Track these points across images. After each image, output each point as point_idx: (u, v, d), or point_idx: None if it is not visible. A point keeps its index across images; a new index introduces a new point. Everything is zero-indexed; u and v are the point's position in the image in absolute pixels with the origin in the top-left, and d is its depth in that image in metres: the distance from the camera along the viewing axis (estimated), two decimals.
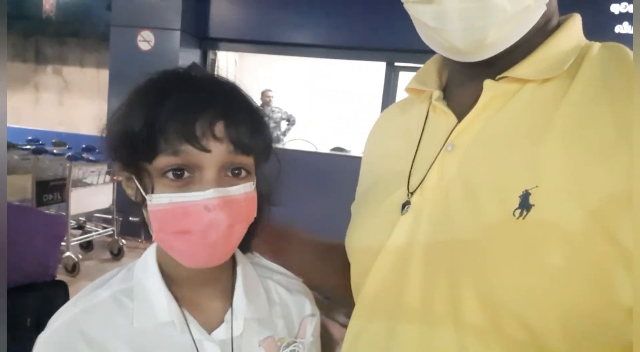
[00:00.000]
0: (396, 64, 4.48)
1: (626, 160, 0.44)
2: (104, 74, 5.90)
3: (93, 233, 3.97)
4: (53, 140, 4.62)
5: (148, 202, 0.56)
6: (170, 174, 0.55)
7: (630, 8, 3.82)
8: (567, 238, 0.45)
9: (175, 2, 4.48)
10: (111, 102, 4.60)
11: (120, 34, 4.58)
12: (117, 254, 4.01)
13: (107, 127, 0.61)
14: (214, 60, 5.45)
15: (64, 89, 7.80)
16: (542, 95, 0.52)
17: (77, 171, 3.58)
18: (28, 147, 3.95)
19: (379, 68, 4.65)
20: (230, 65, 6.07)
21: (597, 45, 0.54)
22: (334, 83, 6.36)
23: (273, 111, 5.66)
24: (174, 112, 0.55)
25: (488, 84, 0.54)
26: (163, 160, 0.55)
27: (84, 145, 4.06)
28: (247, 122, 0.59)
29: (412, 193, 0.58)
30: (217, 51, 5.25)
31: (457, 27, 0.50)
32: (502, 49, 0.52)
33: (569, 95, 0.50)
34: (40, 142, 4.36)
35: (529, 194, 0.47)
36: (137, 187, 0.58)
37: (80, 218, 4.03)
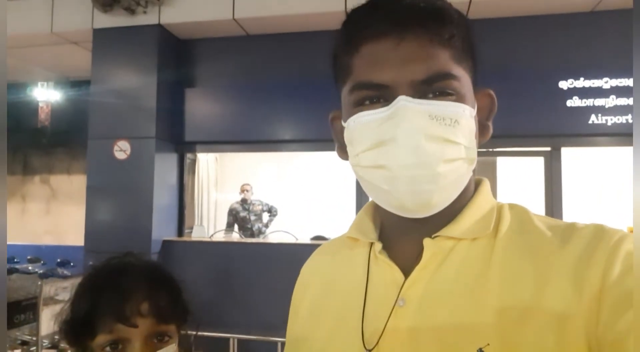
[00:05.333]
0: None
1: (549, 309, 0.51)
2: None
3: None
4: (28, 257, 4.60)
5: None
6: (107, 348, 0.74)
7: (577, 84, 4.02)
8: None
9: (149, 112, 4.69)
10: (89, 212, 4.65)
11: (97, 145, 4.74)
12: None
13: (60, 318, 0.81)
14: (194, 161, 5.61)
15: (51, 198, 7.91)
16: (475, 252, 0.59)
17: (49, 289, 3.52)
18: None
19: None
20: (211, 162, 6.22)
21: (506, 207, 0.63)
22: (313, 173, 6.49)
23: (253, 204, 5.72)
24: (108, 300, 0.75)
25: (427, 242, 0.60)
26: (101, 338, 0.74)
27: (58, 260, 4.04)
28: (168, 299, 0.79)
29: (369, 351, 0.58)
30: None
31: (406, 190, 0.56)
32: (443, 207, 0.59)
33: (495, 252, 0.57)
34: (15, 259, 4.35)
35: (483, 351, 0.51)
36: None
37: (56, 337, 3.90)
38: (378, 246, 0.65)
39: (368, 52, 0.57)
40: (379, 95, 0.57)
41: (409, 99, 0.54)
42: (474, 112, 0.59)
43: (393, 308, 0.59)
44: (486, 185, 0.66)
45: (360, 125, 0.58)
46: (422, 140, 0.54)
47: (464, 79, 0.58)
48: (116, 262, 0.84)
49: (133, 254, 0.88)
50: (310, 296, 0.72)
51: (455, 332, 0.54)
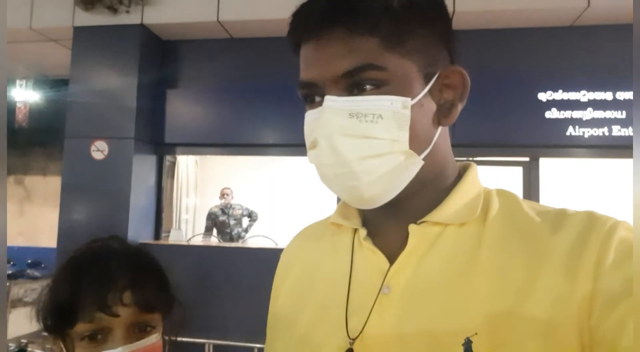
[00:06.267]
0: None
1: (541, 298, 0.49)
2: None
3: None
4: None
5: None
6: (87, 338, 0.71)
7: (555, 96, 4.09)
8: None
9: (129, 113, 4.61)
10: (63, 212, 4.54)
11: (74, 144, 4.64)
12: None
13: (38, 303, 0.76)
14: (173, 163, 5.53)
15: (25, 199, 7.71)
16: (463, 238, 0.57)
17: (18, 290, 3.42)
18: None
19: None
20: (191, 165, 6.15)
21: (494, 192, 0.62)
22: (295, 178, 6.47)
23: (233, 208, 5.66)
24: (89, 288, 0.71)
25: (413, 229, 0.59)
26: (81, 327, 0.71)
27: (29, 261, 3.93)
28: (151, 287, 0.76)
29: (353, 340, 0.57)
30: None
31: (339, 187, 0.58)
32: (387, 199, 0.58)
33: (485, 237, 0.56)
34: None
35: (471, 342, 0.49)
36: (62, 349, 0.74)
37: (22, 340, 3.78)
38: (362, 232, 0.64)
39: (303, 52, 0.60)
40: (313, 93, 0.59)
41: (333, 98, 0.55)
42: (410, 101, 0.55)
43: (377, 296, 0.57)
44: (473, 170, 0.64)
45: (305, 124, 0.61)
46: (337, 141, 0.55)
47: (395, 66, 0.55)
48: (99, 246, 0.80)
49: (117, 237, 0.84)
50: (291, 281, 0.71)
51: (443, 320, 0.52)
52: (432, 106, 0.59)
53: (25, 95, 7.24)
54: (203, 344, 4.36)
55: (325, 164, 0.57)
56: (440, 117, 0.60)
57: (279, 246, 4.79)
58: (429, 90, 0.58)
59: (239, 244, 5.30)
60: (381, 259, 0.60)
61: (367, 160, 0.55)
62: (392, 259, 0.59)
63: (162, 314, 0.78)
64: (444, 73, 0.59)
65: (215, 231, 5.61)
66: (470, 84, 0.61)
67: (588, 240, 0.51)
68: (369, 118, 0.54)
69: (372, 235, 0.63)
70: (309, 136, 0.59)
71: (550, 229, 0.54)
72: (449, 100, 0.60)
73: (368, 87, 0.55)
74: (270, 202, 6.43)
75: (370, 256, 0.61)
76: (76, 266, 0.76)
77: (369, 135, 0.55)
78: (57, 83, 6.69)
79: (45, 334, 0.78)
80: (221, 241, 5.47)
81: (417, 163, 0.57)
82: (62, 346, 0.74)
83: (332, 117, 0.55)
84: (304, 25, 0.58)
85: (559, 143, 4.13)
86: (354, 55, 0.55)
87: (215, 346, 4.39)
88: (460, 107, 0.61)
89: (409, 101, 0.55)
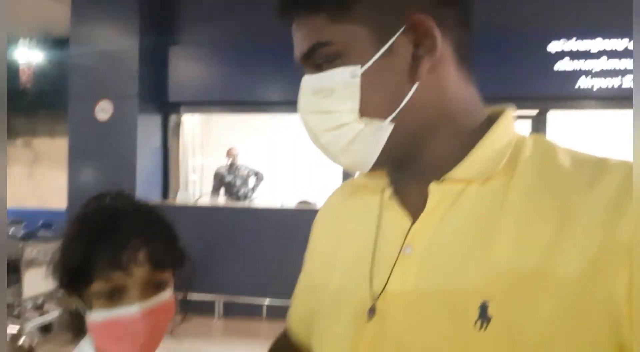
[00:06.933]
0: None
1: (572, 252, 0.46)
2: None
3: (52, 314, 3.83)
4: (10, 219, 4.55)
5: (87, 318, 0.74)
6: (103, 296, 0.73)
7: (565, 46, 3.96)
8: (528, 349, 0.46)
9: (132, 71, 4.57)
10: (72, 174, 4.58)
11: (79, 106, 4.62)
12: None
13: (52, 263, 0.77)
14: (178, 123, 5.51)
15: (34, 161, 7.78)
16: (486, 195, 0.55)
17: (31, 251, 3.49)
18: None
19: None
20: (196, 125, 6.12)
21: (528, 141, 0.58)
22: (298, 137, 6.44)
23: (239, 169, 5.67)
24: (104, 247, 0.72)
25: (433, 187, 0.57)
26: (97, 286, 0.73)
27: (41, 222, 3.99)
28: (164, 245, 0.77)
29: (376, 297, 0.58)
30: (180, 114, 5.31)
31: (326, 156, 0.62)
32: (368, 166, 0.59)
33: (509, 195, 0.53)
34: None
35: (487, 305, 0.49)
36: (78, 303, 0.76)
37: (39, 299, 3.89)
38: (388, 191, 0.64)
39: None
40: (301, 71, 0.61)
41: (305, 78, 0.60)
42: (360, 68, 0.55)
43: (399, 255, 0.57)
44: (504, 118, 0.59)
45: None
46: (306, 117, 0.60)
47: (342, 37, 0.55)
48: (110, 205, 0.80)
49: (124, 195, 0.84)
50: (324, 240, 0.74)
51: (460, 281, 0.52)
52: (396, 65, 0.56)
53: (29, 56, 7.17)
54: (213, 301, 4.49)
55: (308, 137, 0.62)
56: (412, 73, 0.56)
57: (285, 206, 4.83)
58: (393, 49, 0.55)
59: (246, 204, 5.35)
60: (405, 218, 0.59)
61: (329, 133, 0.58)
62: (416, 218, 0.58)
63: (173, 272, 0.80)
64: (408, 26, 0.55)
65: (222, 191, 5.65)
66: (436, 34, 0.54)
67: (627, 200, 0.46)
68: (325, 93, 0.57)
69: (398, 193, 0.63)
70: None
71: (585, 182, 0.50)
72: (418, 54, 0.56)
73: (324, 64, 0.57)
74: (276, 161, 6.43)
75: (395, 215, 0.61)
76: (89, 225, 0.77)
77: (326, 109, 0.58)
78: (61, 43, 6.59)
79: (60, 292, 0.79)
80: (228, 200, 5.51)
81: (383, 127, 0.56)
82: (78, 300, 0.76)
83: (302, 96, 0.61)
84: (280, 9, 0.61)
85: (569, 95, 4.04)
86: (307, 36, 0.57)
87: (225, 302, 4.51)
88: (427, 60, 0.55)
89: (357, 69, 0.55)
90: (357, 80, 0.55)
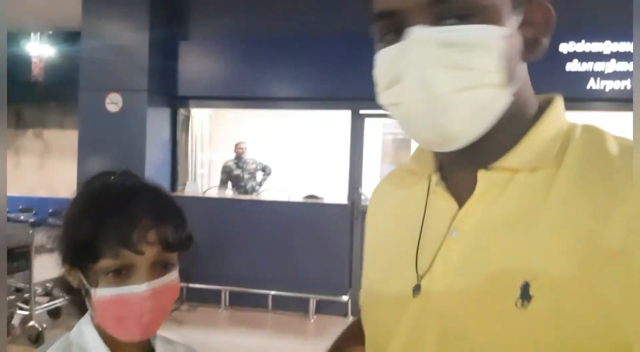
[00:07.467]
0: (361, 112, 4.59)
1: (617, 240, 0.46)
2: None
3: (61, 299, 3.89)
4: (20, 206, 4.62)
5: (93, 294, 0.73)
6: (111, 273, 0.72)
7: (577, 47, 3.96)
8: (568, 329, 0.47)
9: (142, 64, 4.61)
10: (81, 165, 4.63)
11: (89, 97, 4.67)
12: None
13: (58, 237, 0.77)
14: (187, 117, 5.55)
15: (45, 152, 7.87)
16: (534, 184, 0.55)
17: (41, 237, 3.55)
18: None
19: (346, 116, 4.74)
20: (205, 119, 6.17)
21: (578, 129, 0.57)
22: (306, 132, 6.46)
23: (247, 162, 5.71)
24: (115, 225, 0.72)
25: (482, 174, 0.57)
26: (106, 263, 0.72)
27: (50, 210, 4.05)
28: (173, 226, 0.77)
29: (421, 277, 0.60)
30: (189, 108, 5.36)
31: (422, 125, 0.54)
32: (471, 139, 0.55)
33: (556, 185, 0.53)
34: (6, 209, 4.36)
35: (529, 285, 0.49)
36: (81, 280, 0.75)
37: (48, 284, 3.96)
38: (435, 177, 0.64)
39: None
40: (393, 24, 0.54)
41: (421, 28, 0.51)
42: (507, 30, 0.52)
43: (445, 238, 0.59)
44: (555, 106, 0.59)
45: (378, 63, 0.57)
46: (430, 73, 0.51)
47: None
48: (119, 183, 0.79)
49: (131, 174, 0.83)
50: (376, 225, 0.76)
51: (503, 264, 0.53)
52: (519, 40, 0.55)
53: (41, 50, 7.25)
54: (219, 291, 4.53)
55: (412, 100, 0.53)
56: (524, 51, 0.56)
57: (292, 200, 4.86)
58: (524, 21, 0.55)
59: (253, 196, 5.38)
60: (451, 203, 0.60)
61: (461, 93, 0.51)
62: (462, 203, 0.59)
63: (179, 254, 0.80)
64: (530, 6, 0.56)
65: (230, 184, 5.69)
66: (555, 19, 0.56)
67: None
68: (462, 48, 0.51)
69: (446, 180, 0.63)
70: (385, 74, 0.56)
71: (632, 168, 0.49)
72: (534, 35, 0.56)
73: (459, 15, 0.51)
74: (283, 156, 6.46)
75: (442, 200, 0.62)
76: (98, 202, 0.76)
77: (464, 65, 0.51)
78: (71, 36, 6.66)
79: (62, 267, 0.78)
80: (236, 194, 5.55)
81: (505, 98, 0.54)
82: (81, 276, 0.75)
83: (422, 48, 0.51)
84: None
85: (580, 96, 4.04)
86: None
87: (231, 293, 4.55)
88: (546, 42, 0.57)
89: (505, 30, 0.52)
90: (504, 43, 0.52)
